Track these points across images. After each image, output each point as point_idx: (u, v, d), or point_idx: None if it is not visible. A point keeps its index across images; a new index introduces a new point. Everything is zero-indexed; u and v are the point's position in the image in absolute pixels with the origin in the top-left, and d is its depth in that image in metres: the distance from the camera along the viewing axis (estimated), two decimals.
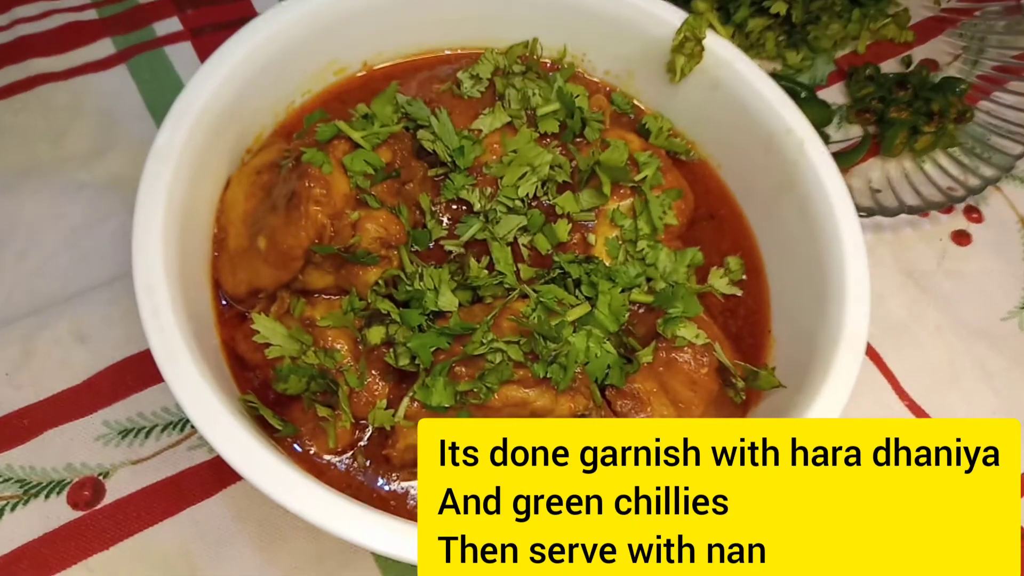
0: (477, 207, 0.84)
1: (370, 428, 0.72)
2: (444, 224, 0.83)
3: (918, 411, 0.96)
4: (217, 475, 0.82)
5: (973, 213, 1.13)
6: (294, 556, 0.79)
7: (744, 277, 0.86)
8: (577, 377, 0.69)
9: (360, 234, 0.71)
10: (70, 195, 0.97)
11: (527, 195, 0.82)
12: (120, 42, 1.10)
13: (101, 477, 0.81)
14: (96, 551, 0.77)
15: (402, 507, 0.70)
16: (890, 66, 1.25)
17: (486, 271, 0.78)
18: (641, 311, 0.78)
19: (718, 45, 0.88)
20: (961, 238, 1.11)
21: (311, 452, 0.72)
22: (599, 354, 0.71)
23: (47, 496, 0.79)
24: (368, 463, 0.72)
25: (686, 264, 0.80)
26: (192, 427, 0.84)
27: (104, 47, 1.10)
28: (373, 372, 0.72)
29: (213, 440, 0.59)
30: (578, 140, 0.86)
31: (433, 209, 0.83)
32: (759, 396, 0.79)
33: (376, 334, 0.72)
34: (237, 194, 0.77)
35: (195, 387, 0.61)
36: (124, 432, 0.83)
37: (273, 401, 0.73)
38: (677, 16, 0.90)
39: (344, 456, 0.72)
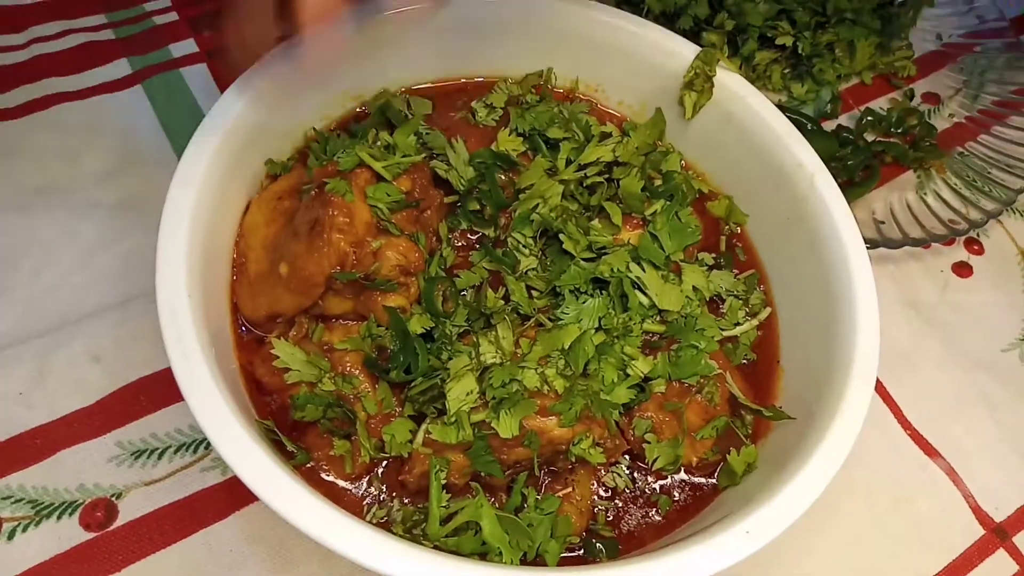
0: (491, 235, 0.85)
1: (387, 455, 0.72)
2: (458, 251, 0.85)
3: (921, 441, 0.97)
4: (230, 497, 0.82)
5: (974, 245, 1.15)
6: None
7: (768, 310, 0.87)
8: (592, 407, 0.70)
9: (381, 261, 0.72)
10: (85, 214, 0.98)
11: (536, 232, 0.83)
12: (136, 63, 1.11)
13: (114, 498, 0.81)
14: (108, 573, 0.77)
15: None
16: (893, 99, 1.28)
17: (502, 301, 0.79)
18: (654, 338, 0.79)
19: (730, 79, 0.90)
20: (962, 270, 1.13)
21: (327, 478, 0.72)
22: (620, 394, 0.72)
23: (59, 517, 0.79)
24: (384, 488, 0.73)
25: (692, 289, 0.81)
26: (205, 448, 0.84)
27: (120, 67, 1.11)
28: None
29: (235, 466, 0.60)
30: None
31: (449, 236, 0.84)
32: (768, 427, 0.80)
33: None
34: (258, 219, 0.78)
35: (218, 413, 0.62)
36: (138, 453, 0.83)
37: (290, 426, 0.74)
38: (690, 49, 0.92)
39: (360, 482, 0.73)
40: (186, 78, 1.11)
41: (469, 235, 0.86)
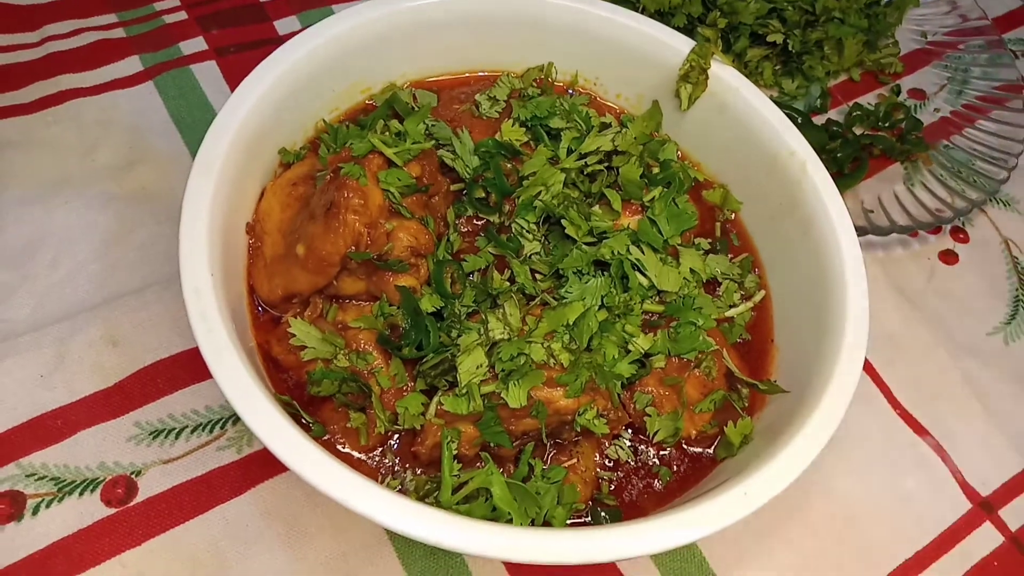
0: (496, 221, 0.89)
1: (401, 427, 0.75)
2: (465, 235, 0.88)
3: (911, 421, 1.01)
4: (245, 475, 0.85)
5: (960, 234, 1.20)
6: (320, 553, 0.82)
7: (763, 293, 0.90)
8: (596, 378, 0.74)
9: (393, 242, 0.75)
10: (100, 206, 1.01)
11: (539, 218, 0.87)
12: (147, 60, 1.14)
13: (133, 476, 0.83)
14: (129, 547, 0.80)
15: None
16: (880, 95, 1.33)
17: (508, 282, 0.82)
18: (653, 318, 0.82)
19: (724, 71, 0.94)
20: (948, 257, 1.17)
21: (343, 450, 0.75)
22: (622, 368, 0.76)
23: (81, 493, 0.82)
24: (397, 460, 0.76)
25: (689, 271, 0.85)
26: (221, 428, 0.87)
27: (132, 64, 1.14)
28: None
29: (261, 433, 0.63)
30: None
31: (456, 222, 0.88)
32: (764, 401, 0.83)
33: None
34: (273, 205, 0.81)
35: (243, 384, 0.65)
36: (155, 433, 0.86)
37: (306, 402, 0.77)
38: (685, 44, 0.96)
39: (374, 453, 0.76)
40: (196, 74, 1.14)
41: (475, 221, 0.89)
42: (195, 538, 0.81)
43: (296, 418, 0.74)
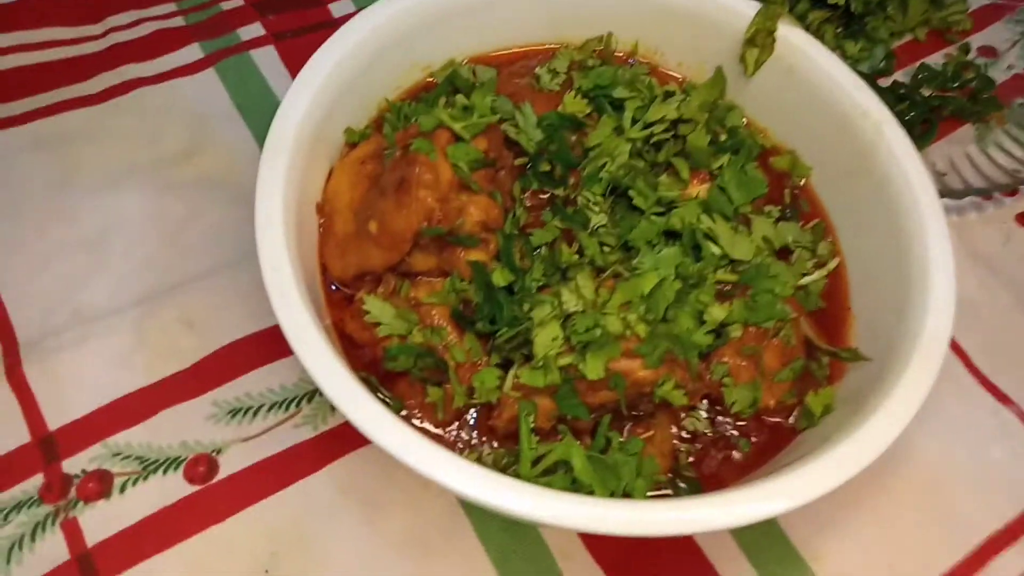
0: (561, 194, 0.88)
1: (476, 402, 0.75)
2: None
3: (992, 388, 0.98)
4: (322, 451, 0.86)
5: None
6: (396, 527, 0.83)
7: (837, 259, 0.88)
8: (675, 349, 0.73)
9: (464, 217, 0.75)
10: (168, 192, 1.03)
11: (606, 190, 0.85)
12: (207, 47, 1.16)
13: (214, 454, 0.85)
14: (213, 522, 0.82)
15: None
16: (948, 55, 1.28)
17: (576, 255, 0.81)
18: (727, 288, 0.81)
19: (791, 33, 0.91)
20: None
21: (420, 425, 0.76)
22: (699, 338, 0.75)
23: (165, 472, 0.84)
24: (474, 433, 0.76)
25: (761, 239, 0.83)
26: (296, 406, 0.88)
27: (192, 52, 1.15)
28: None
29: (345, 408, 0.63)
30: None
31: (521, 197, 0.87)
32: (843, 370, 0.81)
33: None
34: (342, 183, 0.82)
35: (325, 361, 0.65)
36: (233, 412, 0.88)
37: (381, 377, 0.77)
38: (750, 7, 0.93)
39: (450, 428, 0.76)
40: (255, 59, 1.15)
41: (540, 195, 0.88)
42: (276, 514, 0.83)
43: (373, 392, 0.74)
